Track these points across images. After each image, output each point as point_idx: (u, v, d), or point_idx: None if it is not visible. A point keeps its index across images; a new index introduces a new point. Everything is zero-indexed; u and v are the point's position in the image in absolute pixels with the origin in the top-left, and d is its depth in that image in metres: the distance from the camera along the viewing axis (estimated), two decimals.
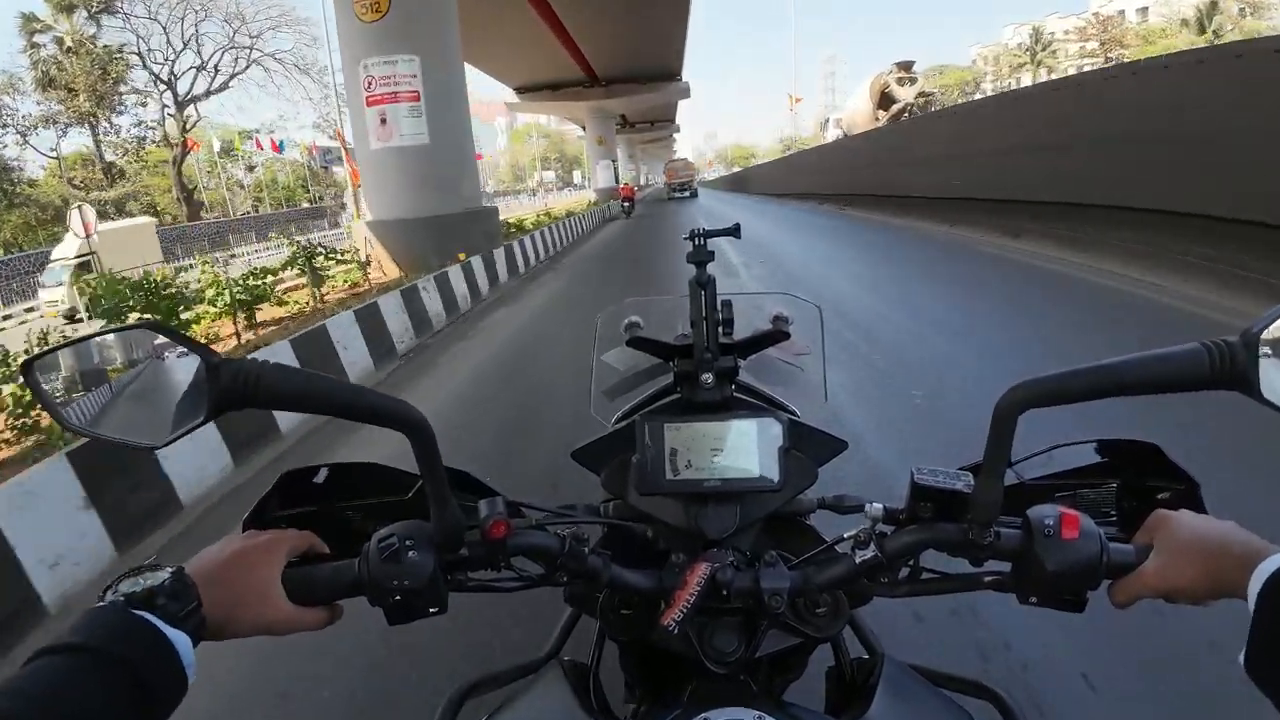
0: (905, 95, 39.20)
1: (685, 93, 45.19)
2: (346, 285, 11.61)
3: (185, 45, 36.44)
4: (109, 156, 38.05)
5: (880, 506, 0.73)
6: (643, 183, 74.39)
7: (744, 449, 0.81)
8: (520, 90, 42.59)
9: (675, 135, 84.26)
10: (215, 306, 8.68)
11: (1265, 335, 0.54)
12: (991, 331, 5.94)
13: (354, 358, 6.29)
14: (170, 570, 0.55)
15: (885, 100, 39.64)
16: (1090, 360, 0.58)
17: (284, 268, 10.60)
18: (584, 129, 49.25)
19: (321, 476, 0.79)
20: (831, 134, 51.92)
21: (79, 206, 12.78)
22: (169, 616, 0.52)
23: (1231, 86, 6.62)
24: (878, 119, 38.90)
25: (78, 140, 38.71)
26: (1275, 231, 5.97)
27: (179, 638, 0.51)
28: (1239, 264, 6.26)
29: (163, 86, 36.98)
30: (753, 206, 29.97)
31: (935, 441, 3.69)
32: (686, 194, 43.52)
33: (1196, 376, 0.55)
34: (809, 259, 11.63)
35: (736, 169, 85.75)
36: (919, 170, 14.97)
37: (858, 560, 0.70)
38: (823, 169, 25.29)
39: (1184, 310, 5.84)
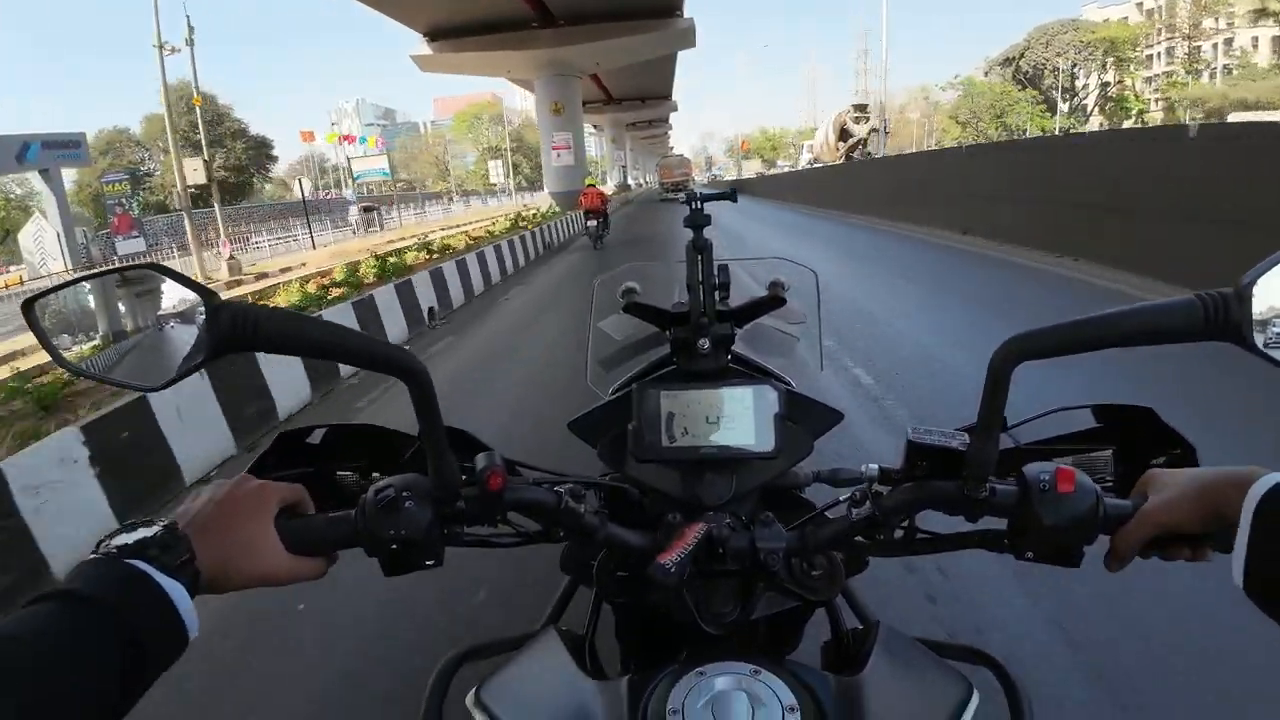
0: (859, 131, 40.77)
1: (688, 37, 28.75)
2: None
3: None
4: None
5: (876, 466, 0.70)
6: (614, 183, 57.41)
7: (740, 417, 0.78)
8: (434, 36, 26.54)
9: (671, 121, 75.19)
10: None
11: (1258, 286, 0.52)
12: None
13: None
14: (163, 523, 0.51)
15: (844, 134, 40.82)
16: (1086, 313, 0.55)
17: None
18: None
19: (317, 437, 0.76)
20: (805, 158, 52.10)
21: None
22: (162, 567, 0.48)
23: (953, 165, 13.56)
24: (838, 149, 40.06)
25: None
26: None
27: (173, 586, 0.48)
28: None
29: None
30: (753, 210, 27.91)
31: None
32: (682, 195, 39.29)
33: (1190, 328, 0.53)
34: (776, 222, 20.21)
35: (760, 170, 73.75)
36: (856, 192, 21.04)
37: (854, 518, 0.67)
38: (799, 185, 30.54)
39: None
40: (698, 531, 0.65)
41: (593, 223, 15.41)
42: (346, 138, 48.74)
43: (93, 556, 0.48)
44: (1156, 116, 50.93)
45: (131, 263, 0.58)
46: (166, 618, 0.47)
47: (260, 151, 47.69)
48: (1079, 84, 54.42)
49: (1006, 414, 0.61)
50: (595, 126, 60.90)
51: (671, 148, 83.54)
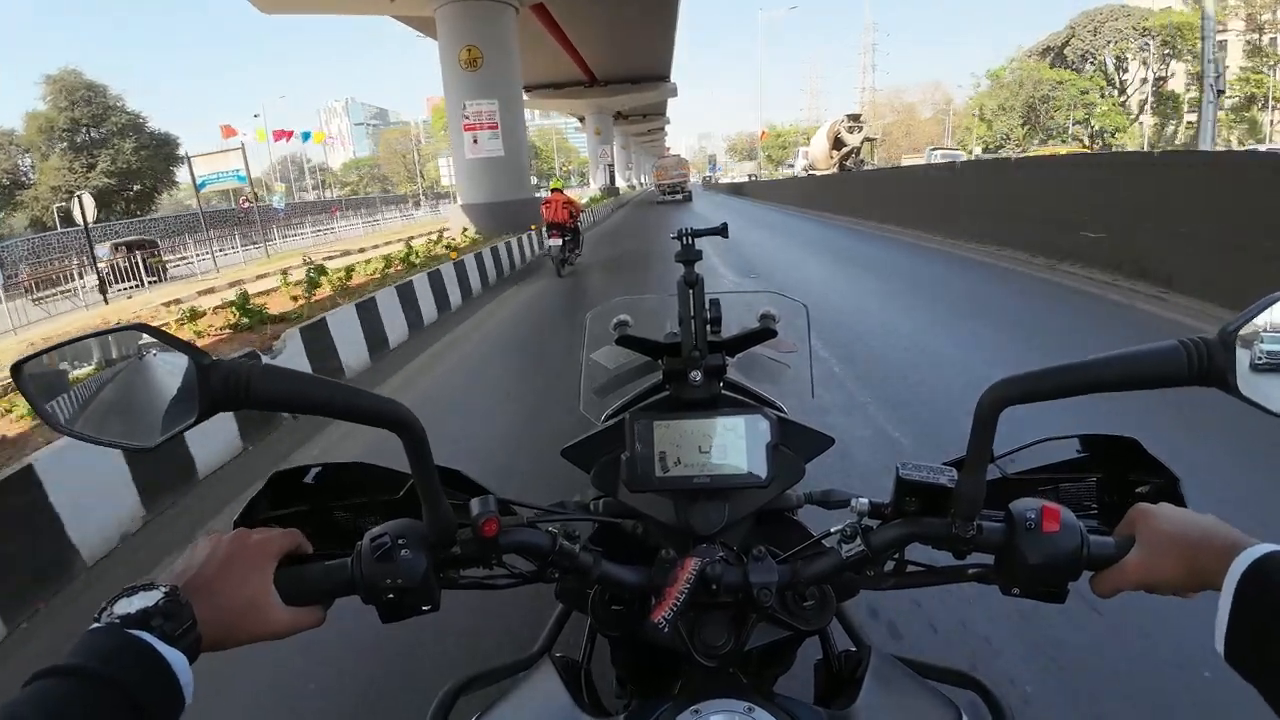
0: (853, 140, 40.78)
1: (673, 91, 40.46)
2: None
3: None
4: None
5: (866, 501, 0.70)
6: (598, 185, 44.41)
7: (732, 446, 0.78)
8: None
9: (668, 115, 68.84)
10: None
11: (1242, 333, 0.52)
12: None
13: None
14: (164, 589, 0.51)
15: (838, 143, 40.93)
16: (1071, 358, 0.55)
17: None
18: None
19: (312, 476, 0.76)
20: (800, 163, 51.34)
21: None
22: (165, 636, 0.48)
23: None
24: (831, 158, 40.22)
25: None
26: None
27: (175, 657, 0.48)
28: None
29: None
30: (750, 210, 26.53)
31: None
32: (679, 196, 35.83)
33: (1175, 374, 0.53)
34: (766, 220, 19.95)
35: (752, 173, 66.35)
36: (842, 198, 20.40)
37: (844, 554, 0.66)
38: (796, 190, 28.48)
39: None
40: (691, 569, 0.65)
41: (556, 241, 10.72)
42: (282, 133, 39.02)
43: (96, 627, 0.48)
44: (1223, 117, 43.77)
45: (120, 324, 0.57)
46: (168, 688, 0.47)
47: (160, 152, 36.64)
48: (1126, 77, 46.91)
49: (994, 443, 0.61)
50: (579, 119, 53.00)
51: (668, 148, 79.44)
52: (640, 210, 30.10)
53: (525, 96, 26.40)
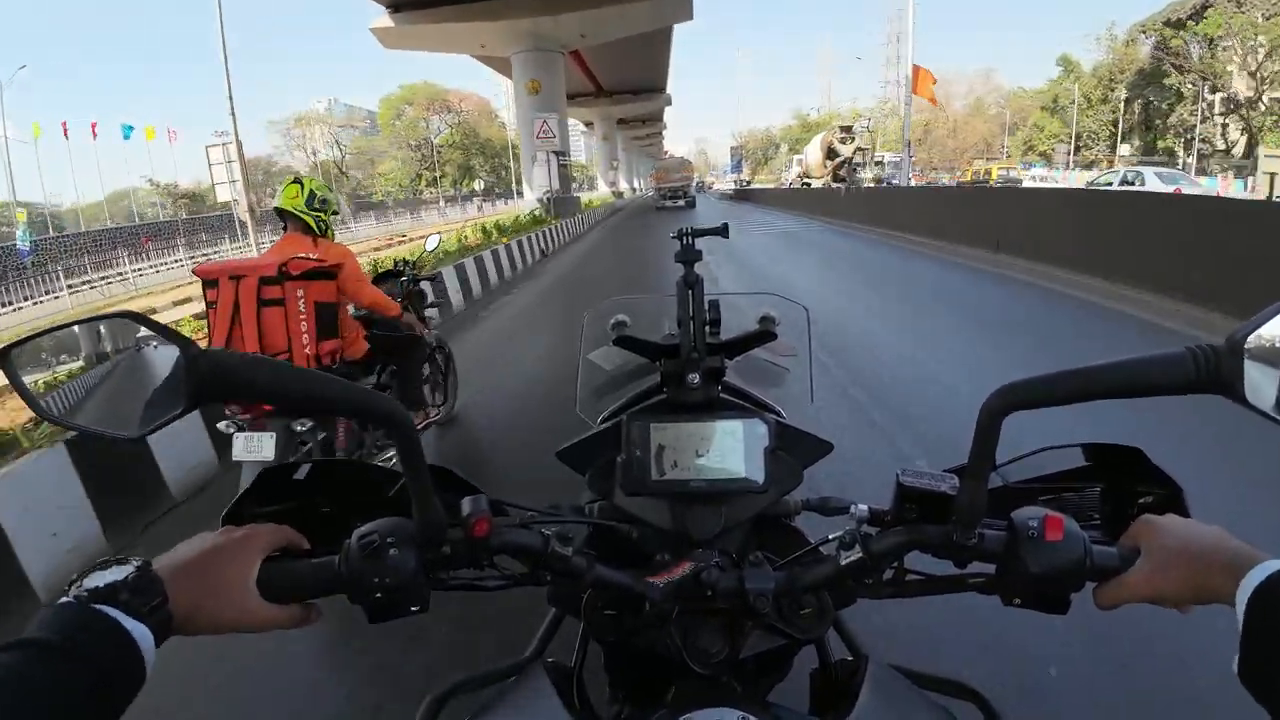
0: (845, 151, 41.04)
1: (668, 101, 37.40)
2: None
3: None
4: None
5: (865, 508, 0.69)
6: (539, 193, 20.87)
7: (730, 450, 0.76)
8: (397, 6, 20.85)
9: (664, 121, 64.63)
10: None
11: (1250, 341, 0.51)
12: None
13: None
14: (136, 564, 0.50)
15: (831, 153, 41.24)
16: (1076, 364, 0.54)
17: None
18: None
19: (302, 473, 0.73)
20: (794, 171, 50.76)
21: None
22: (132, 610, 0.48)
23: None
24: (825, 167, 40.50)
25: None
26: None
27: (139, 630, 0.47)
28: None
29: None
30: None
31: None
32: (680, 202, 32.57)
33: (1181, 381, 0.52)
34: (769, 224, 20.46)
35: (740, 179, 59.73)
36: (837, 206, 21.88)
37: (843, 561, 0.65)
38: (797, 200, 29.64)
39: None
40: (685, 569, 0.64)
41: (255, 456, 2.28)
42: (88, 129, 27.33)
43: (62, 600, 0.48)
44: None
45: (109, 312, 0.57)
46: (131, 661, 0.47)
47: None
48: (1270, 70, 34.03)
49: (996, 451, 0.60)
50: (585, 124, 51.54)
51: (666, 151, 75.16)
52: (629, 225, 21.28)
53: (389, 21, 22.11)
